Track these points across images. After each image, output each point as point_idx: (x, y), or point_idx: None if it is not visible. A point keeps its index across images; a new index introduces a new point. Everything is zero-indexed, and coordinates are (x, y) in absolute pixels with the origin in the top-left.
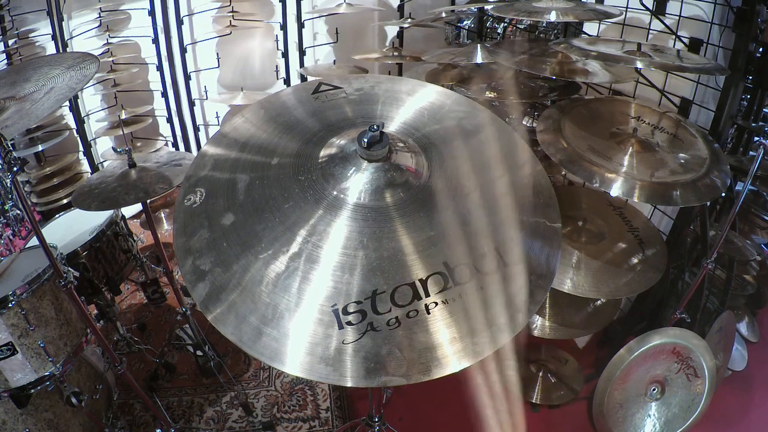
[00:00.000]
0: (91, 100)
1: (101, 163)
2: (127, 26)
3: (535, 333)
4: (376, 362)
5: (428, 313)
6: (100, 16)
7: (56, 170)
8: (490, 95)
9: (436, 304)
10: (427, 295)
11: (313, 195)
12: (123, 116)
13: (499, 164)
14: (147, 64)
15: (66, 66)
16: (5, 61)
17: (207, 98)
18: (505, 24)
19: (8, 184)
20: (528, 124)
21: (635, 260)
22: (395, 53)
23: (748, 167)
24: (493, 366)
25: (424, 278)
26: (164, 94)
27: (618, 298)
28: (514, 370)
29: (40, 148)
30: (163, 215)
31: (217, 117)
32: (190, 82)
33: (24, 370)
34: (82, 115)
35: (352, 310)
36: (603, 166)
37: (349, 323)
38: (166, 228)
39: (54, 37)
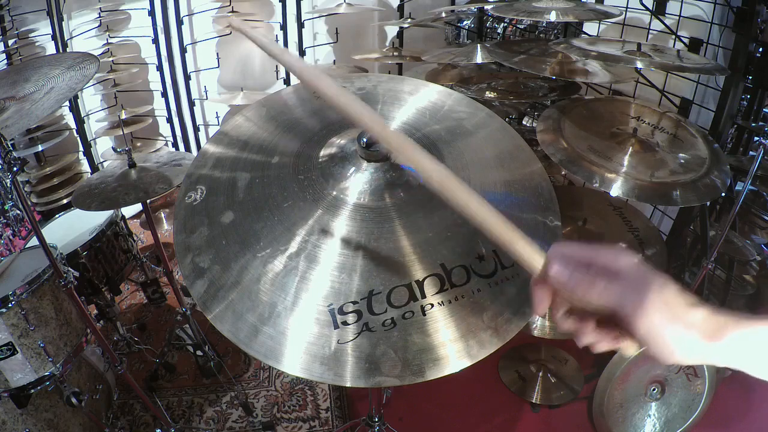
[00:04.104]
0: (91, 100)
1: (101, 163)
2: (127, 26)
3: (535, 333)
4: (370, 362)
5: (424, 314)
6: (100, 16)
7: (56, 170)
8: (490, 95)
9: (432, 305)
10: (424, 296)
11: (312, 194)
12: (123, 116)
13: (498, 164)
14: (147, 64)
15: (66, 66)
16: (5, 61)
17: (207, 98)
18: (505, 24)
19: (8, 184)
20: (528, 124)
21: None
22: (395, 53)
23: (748, 167)
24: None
25: (420, 279)
26: (164, 94)
27: None
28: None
29: (40, 148)
30: (163, 215)
31: (217, 117)
32: (190, 82)
33: (24, 370)
34: (82, 115)
35: (348, 310)
36: (603, 166)
37: (344, 323)
38: (166, 228)
39: (54, 37)
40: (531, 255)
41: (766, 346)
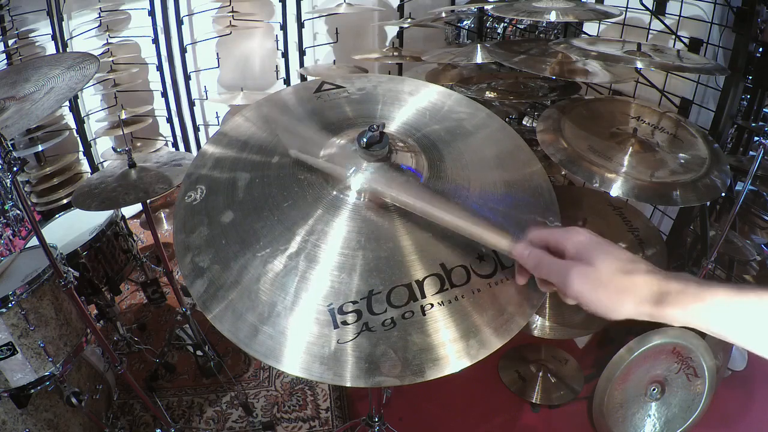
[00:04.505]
0: (91, 100)
1: (101, 163)
2: (127, 26)
3: (535, 333)
4: (370, 362)
5: (424, 314)
6: (100, 16)
7: (56, 170)
8: (490, 95)
9: (432, 305)
10: (423, 296)
11: (312, 194)
12: (123, 116)
13: (498, 165)
14: (147, 64)
15: (66, 66)
16: (5, 61)
17: (207, 98)
18: (505, 24)
19: (8, 184)
20: (528, 124)
21: None
22: (395, 53)
23: (748, 167)
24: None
25: (420, 279)
26: (164, 94)
27: None
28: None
29: (40, 148)
30: (163, 215)
31: (217, 117)
32: (190, 82)
33: (24, 370)
34: (82, 115)
35: (347, 310)
36: (603, 166)
37: (344, 323)
38: (166, 228)
39: (54, 37)
40: (498, 242)
41: (717, 316)
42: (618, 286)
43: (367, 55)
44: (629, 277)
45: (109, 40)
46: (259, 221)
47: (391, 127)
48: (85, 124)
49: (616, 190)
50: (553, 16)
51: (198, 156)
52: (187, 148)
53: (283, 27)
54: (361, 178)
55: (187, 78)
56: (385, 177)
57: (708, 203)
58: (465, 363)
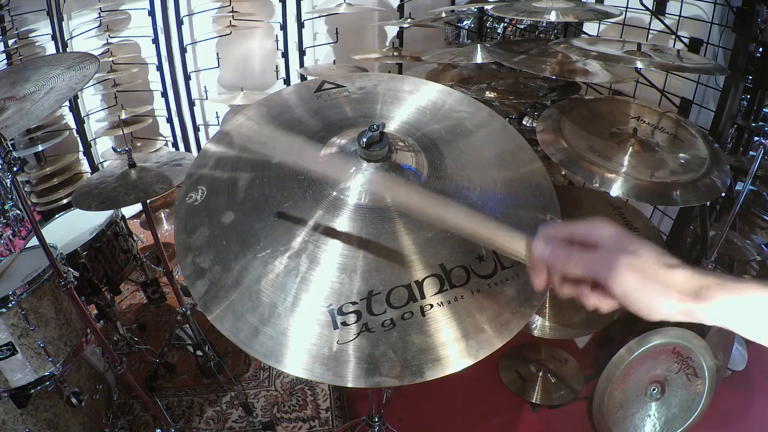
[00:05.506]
0: (91, 100)
1: (101, 163)
2: (127, 26)
3: (535, 333)
4: (369, 363)
5: (423, 315)
6: (100, 16)
7: (56, 170)
8: (490, 95)
9: (432, 306)
10: (423, 297)
11: (312, 195)
12: (123, 116)
13: (499, 163)
14: (147, 64)
15: (66, 66)
16: (5, 61)
17: (207, 98)
18: (505, 24)
19: (8, 184)
20: (528, 124)
21: None
22: (395, 53)
23: (748, 167)
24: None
25: (420, 280)
26: (164, 94)
27: None
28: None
29: (40, 148)
30: (163, 215)
31: (217, 117)
32: (190, 82)
33: (24, 370)
34: (82, 115)
35: (347, 311)
36: (603, 166)
37: (344, 324)
38: (166, 228)
39: (54, 37)
40: (513, 242)
41: (755, 311)
42: (664, 280)
43: (367, 55)
44: (672, 272)
45: (109, 40)
46: (259, 222)
47: (391, 127)
48: (85, 124)
49: (616, 190)
50: (553, 16)
51: (200, 155)
52: (187, 148)
53: (283, 27)
54: (361, 179)
55: (187, 78)
56: (392, 180)
57: (708, 203)
58: (464, 363)
